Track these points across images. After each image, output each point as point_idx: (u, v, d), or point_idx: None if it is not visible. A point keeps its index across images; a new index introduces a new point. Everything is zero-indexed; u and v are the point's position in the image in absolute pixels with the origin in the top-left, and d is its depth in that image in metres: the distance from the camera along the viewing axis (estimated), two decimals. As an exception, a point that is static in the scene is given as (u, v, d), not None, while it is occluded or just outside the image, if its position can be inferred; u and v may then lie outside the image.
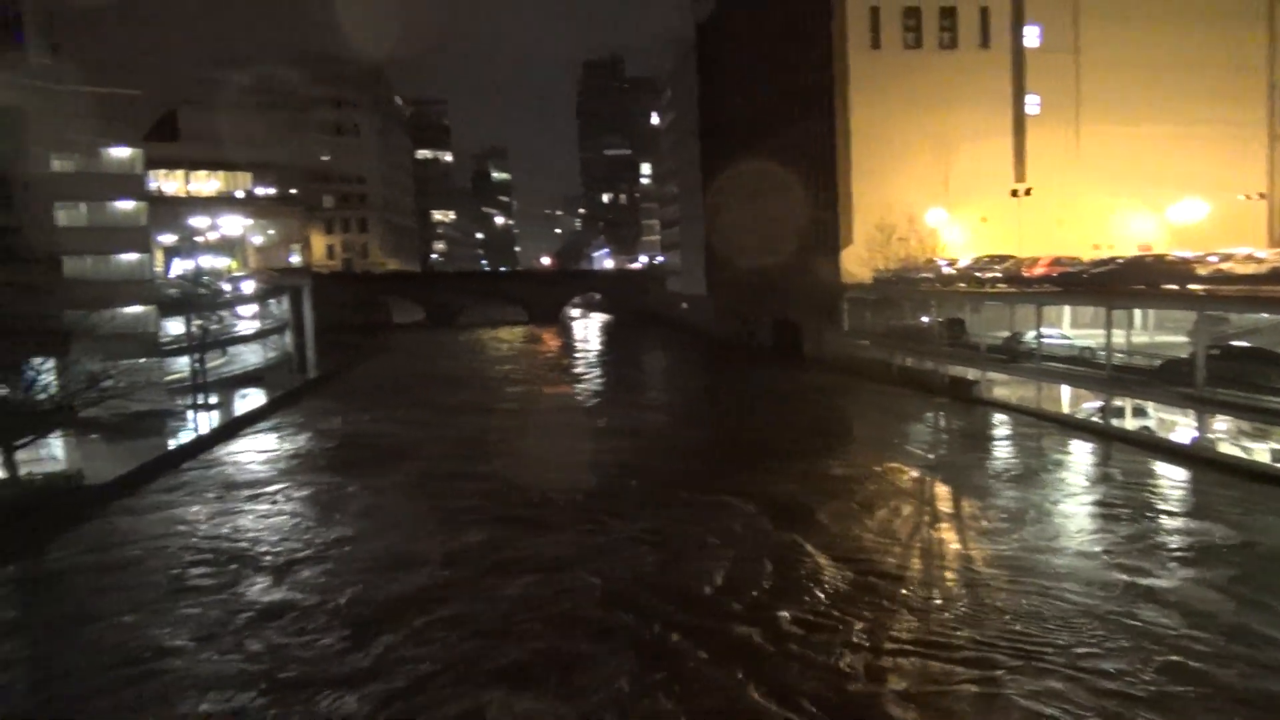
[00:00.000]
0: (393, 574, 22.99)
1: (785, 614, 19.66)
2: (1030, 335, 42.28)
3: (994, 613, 19.37)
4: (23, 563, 25.13)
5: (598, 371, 68.32)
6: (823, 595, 20.80)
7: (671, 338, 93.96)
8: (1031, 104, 58.69)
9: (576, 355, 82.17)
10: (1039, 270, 44.29)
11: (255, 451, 39.53)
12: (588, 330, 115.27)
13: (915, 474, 32.54)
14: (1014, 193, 52.41)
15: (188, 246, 68.90)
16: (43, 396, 29.39)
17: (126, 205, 51.13)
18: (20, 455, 28.65)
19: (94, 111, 49.13)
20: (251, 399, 51.59)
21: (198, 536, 27.13)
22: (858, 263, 56.54)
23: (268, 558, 24.94)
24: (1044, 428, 38.66)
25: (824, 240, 60.64)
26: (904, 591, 20.84)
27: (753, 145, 75.24)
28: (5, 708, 17.22)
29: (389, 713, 16.22)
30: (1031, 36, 58.64)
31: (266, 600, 21.76)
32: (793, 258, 66.45)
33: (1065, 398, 41.06)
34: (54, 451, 33.59)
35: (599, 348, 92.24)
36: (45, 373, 30.07)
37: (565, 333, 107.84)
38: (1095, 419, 37.77)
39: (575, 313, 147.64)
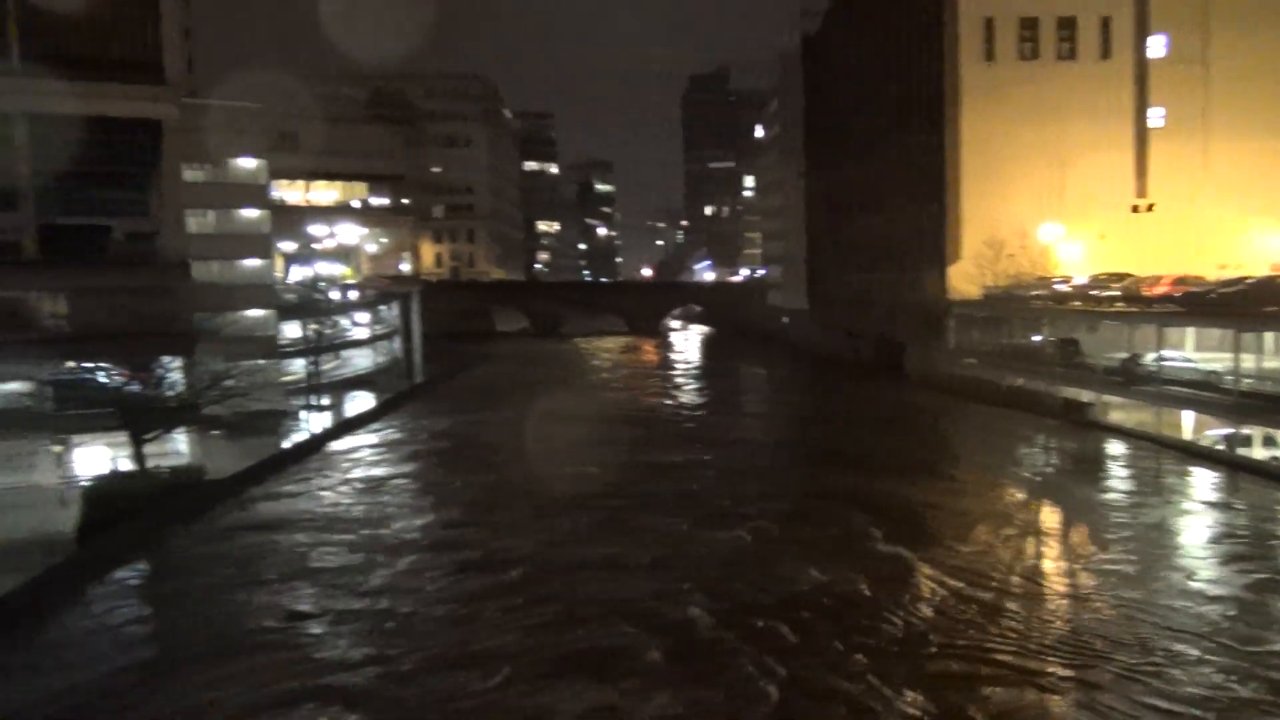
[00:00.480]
0: (490, 559, 24.43)
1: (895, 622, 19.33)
2: (1150, 357, 40.37)
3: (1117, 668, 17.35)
4: (158, 550, 26.52)
5: (696, 383, 68.19)
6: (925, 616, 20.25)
7: (771, 351, 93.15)
8: (1155, 117, 56.12)
9: (676, 366, 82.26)
10: (1160, 290, 42.31)
11: (366, 448, 40.88)
12: (687, 342, 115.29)
13: (1022, 498, 31.37)
14: (1135, 209, 50.31)
15: (306, 254, 71.75)
16: (170, 394, 30.93)
17: (251, 213, 53.63)
18: (147, 449, 30.17)
19: (223, 124, 51.71)
20: (361, 401, 53.30)
21: (315, 524, 28.48)
22: (965, 279, 55.00)
23: (382, 542, 26.34)
24: (1164, 454, 36.76)
25: (930, 255, 59.25)
26: (1007, 629, 19.89)
27: (859, 158, 74.17)
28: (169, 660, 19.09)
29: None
30: (1156, 47, 56.10)
31: (381, 579, 23.39)
32: (897, 273, 65.15)
33: (1187, 424, 39.03)
34: (178, 446, 35.37)
35: (698, 359, 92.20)
36: (173, 371, 31.67)
37: (665, 344, 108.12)
38: (1220, 447, 35.77)
39: (675, 324, 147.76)
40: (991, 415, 46.71)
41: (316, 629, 20.49)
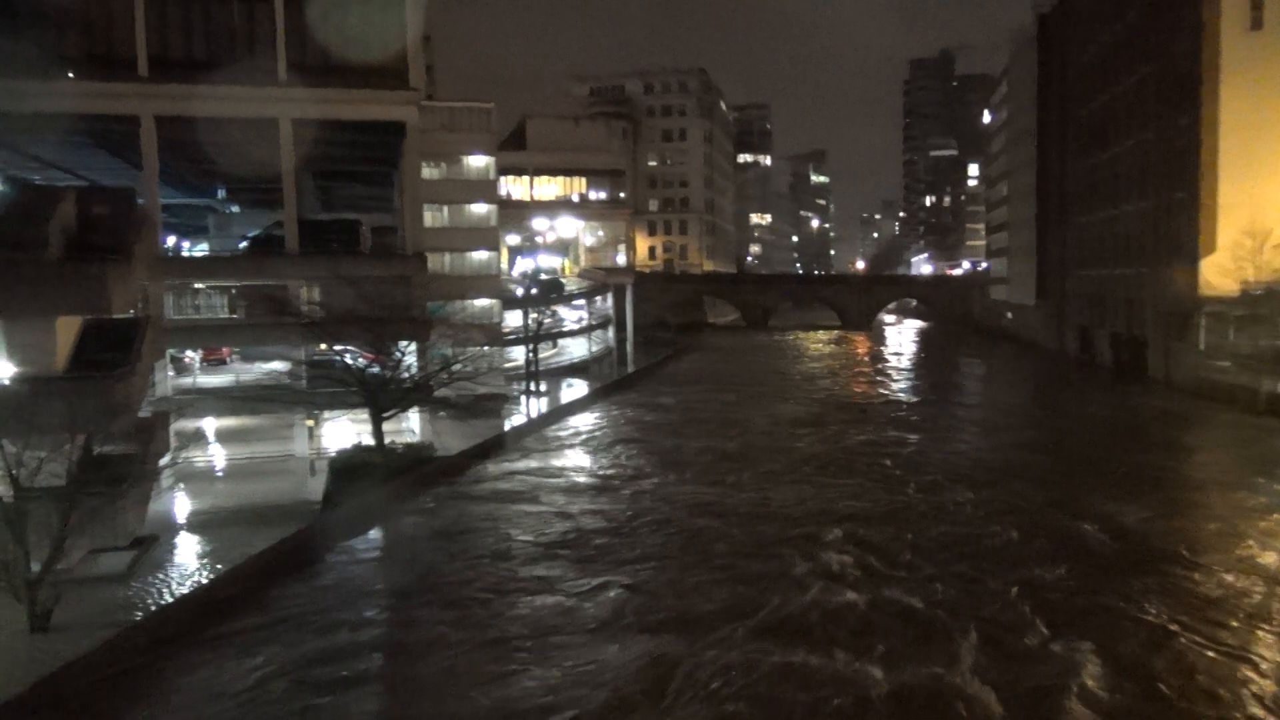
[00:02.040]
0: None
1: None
2: None
3: None
4: (409, 513, 28.90)
5: (910, 381, 65.61)
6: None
7: (994, 349, 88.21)
8: None
9: (889, 363, 79.60)
10: None
11: (579, 432, 42.38)
12: (901, 337, 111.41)
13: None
14: None
15: (529, 246, 75.23)
16: (405, 376, 33.29)
17: (481, 209, 56.93)
18: (385, 426, 32.65)
19: (457, 124, 55.13)
20: (577, 388, 55.28)
21: (536, 499, 30.13)
22: (1219, 273, 49.76)
23: (596, 518, 27.82)
24: None
25: (1179, 247, 54.12)
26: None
27: (1098, 143, 68.91)
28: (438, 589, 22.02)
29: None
30: None
31: (603, 538, 25.45)
32: (1140, 266, 60.05)
33: None
34: (412, 425, 38.13)
35: (913, 356, 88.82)
36: (409, 355, 34.07)
37: (878, 339, 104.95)
38: None
39: (889, 319, 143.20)
40: (1249, 426, 41.64)
41: (543, 561, 23.52)
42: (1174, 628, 19.02)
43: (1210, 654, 17.76)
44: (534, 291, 53.51)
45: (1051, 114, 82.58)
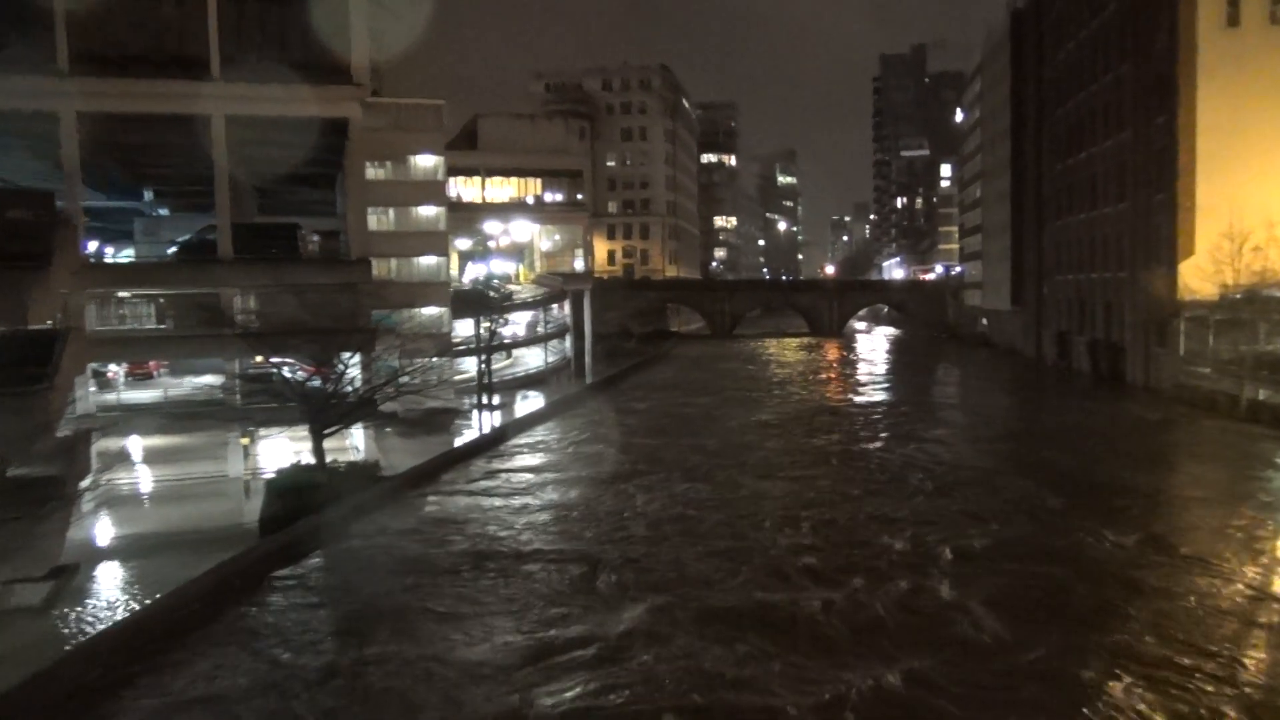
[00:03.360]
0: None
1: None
2: None
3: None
4: (338, 541, 28.40)
5: (886, 393, 66.11)
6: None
7: (969, 356, 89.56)
8: None
9: (862, 371, 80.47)
10: None
11: (535, 449, 42.16)
12: (874, 345, 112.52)
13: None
14: None
15: (481, 251, 74.97)
16: (349, 389, 32.94)
17: (429, 211, 56.56)
18: (326, 444, 32.21)
19: (404, 122, 54.79)
20: (531, 401, 55.06)
21: (487, 525, 29.58)
22: (1199, 276, 50.88)
23: (550, 548, 26.93)
24: None
25: (1157, 251, 55.26)
26: None
27: (1075, 144, 70.20)
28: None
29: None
30: None
31: (550, 577, 24.11)
32: (1118, 270, 61.23)
33: None
34: (356, 442, 37.72)
35: (887, 364, 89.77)
36: (352, 367, 33.72)
37: (850, 347, 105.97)
38: None
39: (861, 326, 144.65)
40: (1231, 432, 42.76)
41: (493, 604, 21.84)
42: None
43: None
44: (492, 296, 53.33)
45: (1027, 113, 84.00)
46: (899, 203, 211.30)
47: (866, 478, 35.96)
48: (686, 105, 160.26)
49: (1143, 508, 30.64)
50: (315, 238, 43.88)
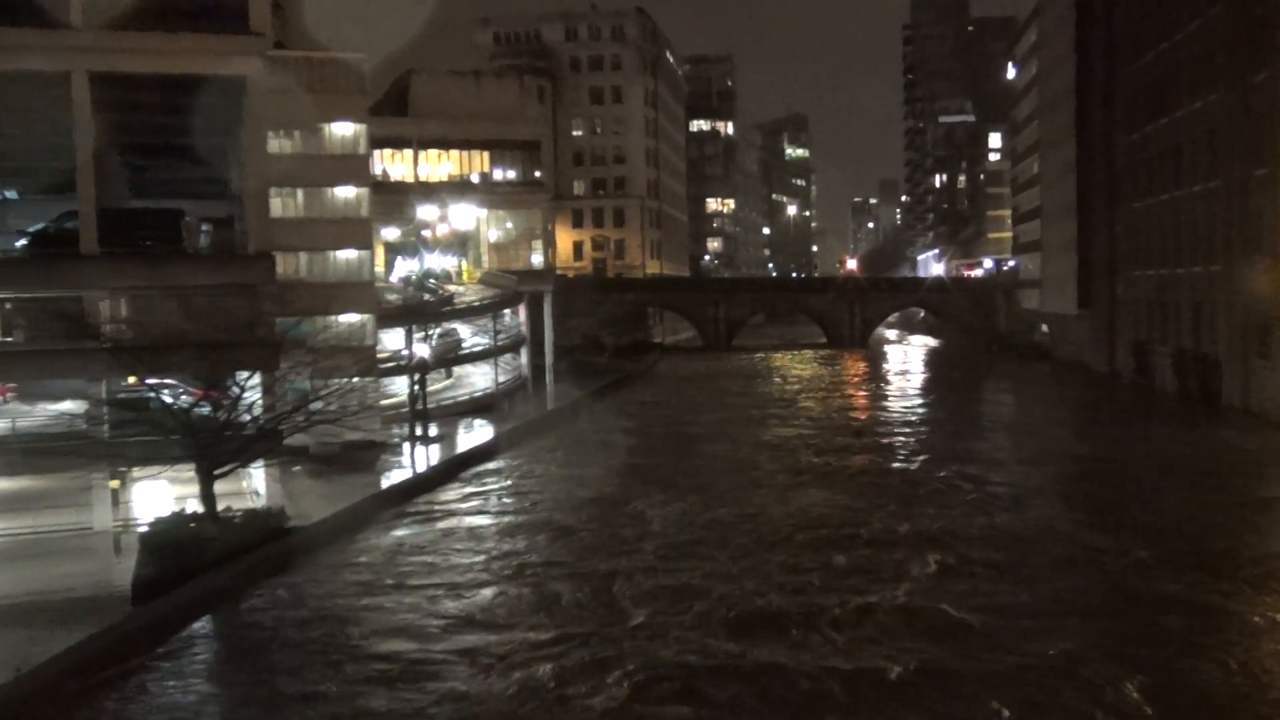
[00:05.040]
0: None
1: None
2: None
3: None
4: (228, 614, 28.11)
5: (927, 428, 64.93)
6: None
7: (1026, 372, 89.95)
8: None
9: (892, 397, 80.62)
10: None
11: (480, 500, 41.83)
12: (908, 359, 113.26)
13: None
14: None
15: (413, 243, 74.94)
16: (246, 418, 32.70)
17: (348, 193, 56.41)
18: (219, 486, 31.98)
19: (317, 82, 54.66)
20: (478, 432, 54.87)
21: (418, 586, 29.38)
22: (1313, 272, 51.65)
23: (490, 636, 26.29)
24: None
25: (1257, 239, 55.84)
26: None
27: (1154, 107, 70.94)
28: None
29: None
30: None
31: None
32: (1208, 264, 61.81)
33: None
34: (256, 484, 37.44)
35: (923, 384, 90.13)
36: (251, 390, 33.49)
37: (876, 362, 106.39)
38: None
39: (891, 334, 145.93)
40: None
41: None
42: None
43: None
44: (427, 299, 53.35)
45: (1095, 69, 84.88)
46: (936, 180, 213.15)
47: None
48: (671, 60, 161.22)
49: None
50: (205, 227, 43.52)
